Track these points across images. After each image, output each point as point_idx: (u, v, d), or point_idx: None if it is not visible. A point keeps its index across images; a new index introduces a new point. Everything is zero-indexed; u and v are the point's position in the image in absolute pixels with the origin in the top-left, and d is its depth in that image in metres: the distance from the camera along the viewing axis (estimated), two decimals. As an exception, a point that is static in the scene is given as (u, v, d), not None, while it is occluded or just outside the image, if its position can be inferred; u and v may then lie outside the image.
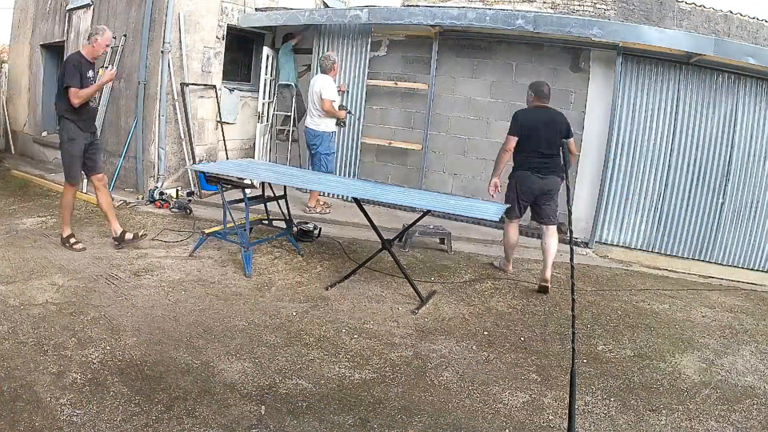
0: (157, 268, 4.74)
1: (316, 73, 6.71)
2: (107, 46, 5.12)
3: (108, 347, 3.35)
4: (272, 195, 5.51)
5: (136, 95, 7.17)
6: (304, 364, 3.38)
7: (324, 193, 7.11)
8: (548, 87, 5.02)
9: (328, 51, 7.36)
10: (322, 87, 6.33)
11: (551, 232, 4.96)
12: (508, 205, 4.81)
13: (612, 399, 3.23)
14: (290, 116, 8.06)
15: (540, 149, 4.81)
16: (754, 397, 3.38)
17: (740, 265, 6.06)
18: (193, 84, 7.33)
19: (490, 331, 4.05)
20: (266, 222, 5.68)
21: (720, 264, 6.10)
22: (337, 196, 7.37)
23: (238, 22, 7.81)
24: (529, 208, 5.09)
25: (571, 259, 2.61)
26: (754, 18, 11.54)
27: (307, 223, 5.97)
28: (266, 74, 7.96)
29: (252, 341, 3.60)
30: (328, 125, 6.51)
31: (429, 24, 6.71)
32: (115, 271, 4.59)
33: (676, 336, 4.18)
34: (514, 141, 4.87)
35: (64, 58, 8.54)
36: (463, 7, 7.68)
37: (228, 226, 5.14)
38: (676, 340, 4.10)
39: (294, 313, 4.07)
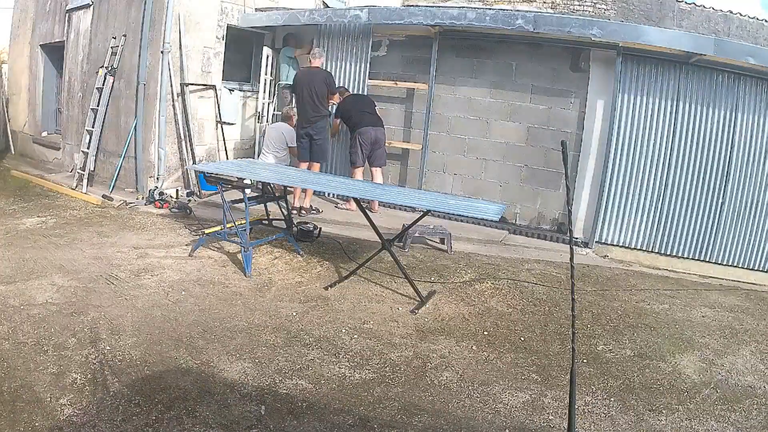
0: (157, 268, 4.74)
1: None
2: None
3: (108, 347, 3.35)
4: (272, 195, 5.51)
5: (136, 95, 7.17)
6: (304, 364, 3.38)
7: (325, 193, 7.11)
8: None
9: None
10: None
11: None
12: (507, 205, 4.82)
13: (612, 399, 3.23)
14: (290, 116, 8.04)
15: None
16: (754, 397, 3.38)
17: (740, 265, 6.05)
18: (192, 84, 7.33)
19: (490, 331, 4.05)
20: (266, 222, 5.68)
21: (720, 264, 6.09)
22: (336, 196, 7.38)
23: (238, 22, 7.81)
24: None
25: (571, 259, 2.60)
26: (754, 18, 11.53)
27: (307, 223, 5.97)
28: (266, 74, 7.95)
29: (252, 341, 3.60)
30: None
31: (429, 24, 6.71)
32: (115, 271, 4.59)
33: (676, 336, 4.18)
34: None
35: (64, 57, 8.59)
36: (463, 7, 7.66)
37: (228, 226, 5.14)
38: (676, 340, 4.10)
39: (294, 313, 4.07)
